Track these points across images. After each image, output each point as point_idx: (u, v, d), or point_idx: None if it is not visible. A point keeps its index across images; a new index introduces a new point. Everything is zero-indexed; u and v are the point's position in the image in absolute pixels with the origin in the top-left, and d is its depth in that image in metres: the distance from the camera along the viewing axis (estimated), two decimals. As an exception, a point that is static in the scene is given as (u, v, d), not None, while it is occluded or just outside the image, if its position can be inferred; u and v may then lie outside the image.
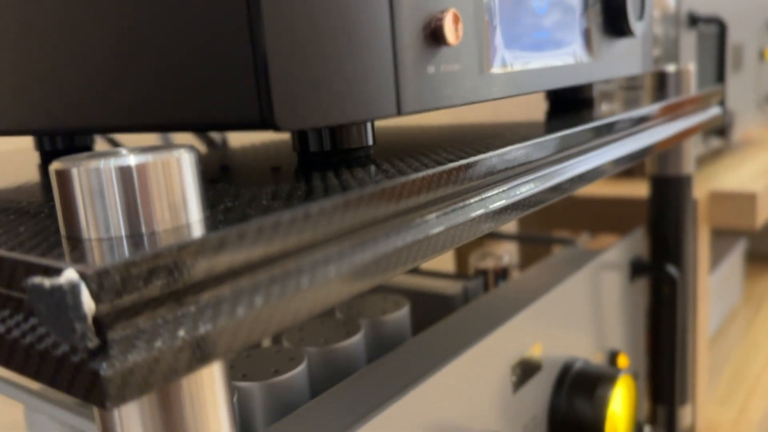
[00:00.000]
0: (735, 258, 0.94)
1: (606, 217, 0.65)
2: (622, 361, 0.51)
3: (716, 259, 0.89)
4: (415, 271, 0.56)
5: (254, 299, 0.18)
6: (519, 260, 0.84)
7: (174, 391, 0.17)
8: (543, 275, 0.47)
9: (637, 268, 0.54)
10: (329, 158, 0.28)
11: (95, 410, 0.18)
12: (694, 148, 0.56)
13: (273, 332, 0.18)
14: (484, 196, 0.26)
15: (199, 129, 0.21)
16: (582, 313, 0.48)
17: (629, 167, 0.69)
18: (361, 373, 0.36)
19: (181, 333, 0.16)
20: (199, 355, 0.16)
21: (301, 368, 0.38)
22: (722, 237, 0.99)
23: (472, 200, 0.26)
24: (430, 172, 0.23)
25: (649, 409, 0.60)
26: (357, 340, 0.42)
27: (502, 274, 0.56)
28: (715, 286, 0.83)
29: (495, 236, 0.60)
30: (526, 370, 0.41)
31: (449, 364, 0.35)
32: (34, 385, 0.43)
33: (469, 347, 0.36)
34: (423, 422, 0.33)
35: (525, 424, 0.41)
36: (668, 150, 0.54)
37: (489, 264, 0.56)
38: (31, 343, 0.16)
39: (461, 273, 0.53)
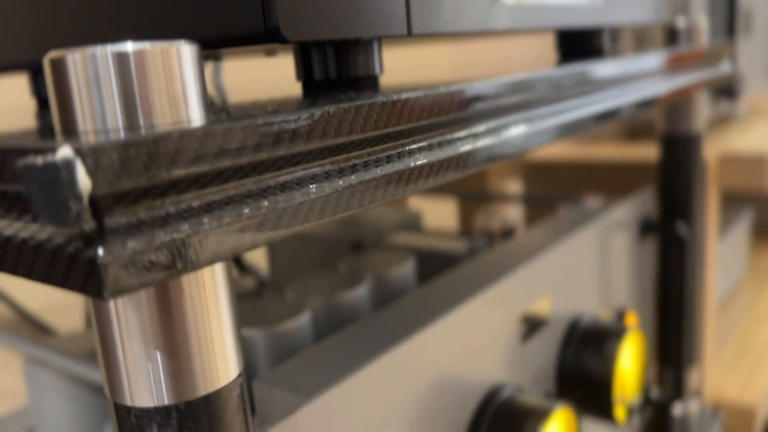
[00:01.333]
0: (741, 229, 0.93)
1: (615, 181, 0.64)
2: (630, 319, 0.51)
3: (722, 229, 0.88)
4: (420, 232, 0.55)
5: (260, 201, 0.17)
6: (525, 224, 0.83)
7: (174, 289, 0.16)
8: (550, 231, 0.46)
9: (645, 227, 0.53)
10: (334, 87, 0.27)
11: (92, 308, 0.17)
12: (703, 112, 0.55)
13: (273, 238, 0.17)
14: (473, 130, 0.25)
15: (199, 44, 0.20)
16: (590, 270, 0.47)
17: (638, 125, 0.68)
18: (366, 320, 0.35)
19: (184, 227, 0.15)
20: (202, 252, 0.15)
21: (305, 316, 0.37)
22: (728, 208, 0.98)
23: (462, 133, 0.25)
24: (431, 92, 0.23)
25: (656, 370, 0.59)
26: (361, 291, 0.41)
27: (508, 234, 0.56)
28: (721, 256, 0.82)
29: (499, 199, 0.59)
30: (534, 322, 0.40)
31: (456, 310, 0.34)
32: (36, 334, 0.42)
33: (476, 295, 0.35)
34: (429, 368, 0.32)
35: (532, 376, 0.41)
36: (678, 108, 0.53)
37: (494, 224, 0.55)
38: (24, 240, 0.15)
39: (467, 233, 0.52)
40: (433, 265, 0.50)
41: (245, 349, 0.35)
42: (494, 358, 0.37)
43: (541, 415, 0.34)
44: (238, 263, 0.67)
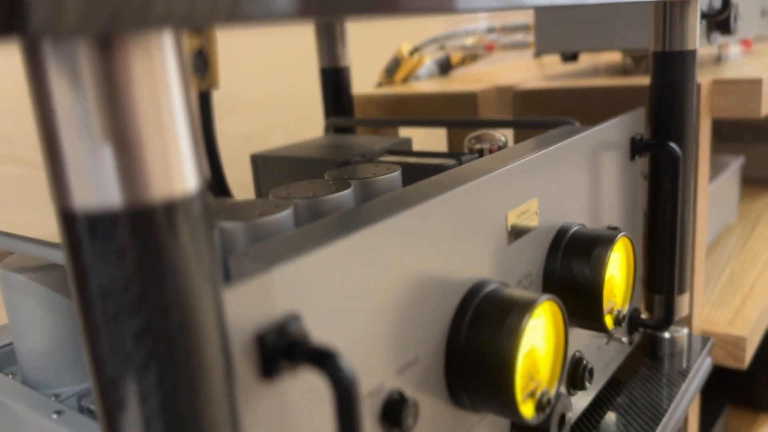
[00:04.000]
0: (731, 175, 0.92)
1: (607, 107, 0.63)
2: (620, 237, 0.50)
3: (713, 173, 0.87)
4: (409, 152, 0.54)
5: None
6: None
7: (122, 67, 0.15)
8: (540, 141, 0.45)
9: (637, 146, 0.52)
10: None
11: (31, 89, 0.15)
12: (699, 49, 0.53)
13: (232, 17, 0.16)
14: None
15: None
16: (579, 185, 0.46)
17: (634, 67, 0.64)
18: (348, 211, 0.34)
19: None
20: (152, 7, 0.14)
21: (288, 212, 0.36)
22: (719, 155, 0.97)
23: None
24: None
25: (644, 298, 0.58)
26: (346, 194, 0.40)
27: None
28: (711, 198, 0.82)
29: (489, 124, 0.58)
30: (522, 223, 0.39)
31: (438, 197, 0.33)
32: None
33: (459, 186, 0.34)
34: (411, 254, 0.31)
35: (519, 279, 0.40)
36: (672, 24, 0.52)
37: (485, 145, 0.54)
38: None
39: (457, 152, 0.51)
40: (421, 176, 0.49)
41: (225, 242, 0.34)
42: (480, 256, 0.36)
43: (526, 306, 0.33)
44: (217, 186, 0.66)
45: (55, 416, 0.37)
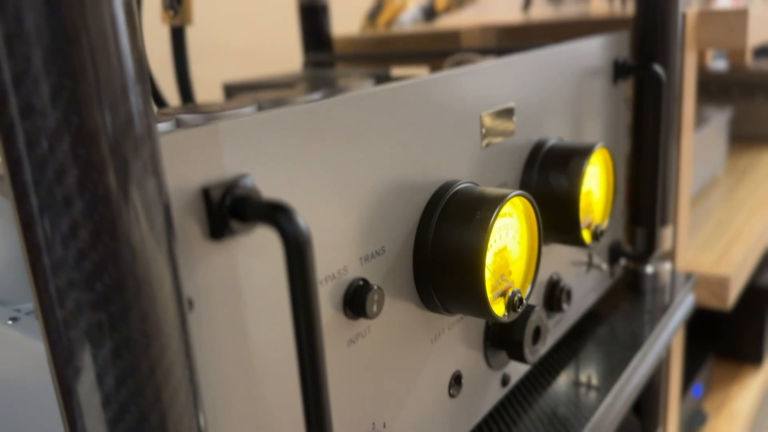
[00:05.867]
0: (718, 126, 0.91)
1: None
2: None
3: (699, 122, 0.86)
4: (388, 76, 0.52)
5: None
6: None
7: None
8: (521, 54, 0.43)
9: (620, 70, 0.51)
10: None
11: None
12: None
13: None
14: None
15: None
16: (559, 101, 0.44)
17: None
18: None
19: None
20: None
21: (251, 108, 0.35)
22: (706, 106, 0.96)
23: None
24: None
25: (627, 231, 0.57)
26: (314, 96, 0.39)
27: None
28: (697, 148, 0.81)
29: (471, 51, 0.56)
30: (498, 128, 0.38)
31: (412, 81, 0.32)
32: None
33: (430, 78, 0.33)
34: (375, 134, 0.30)
35: (493, 186, 0.39)
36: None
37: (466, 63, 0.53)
38: None
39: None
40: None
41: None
42: (452, 156, 0.35)
43: (497, 200, 0.32)
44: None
45: (10, 322, 0.36)
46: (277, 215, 0.22)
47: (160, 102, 0.56)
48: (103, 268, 0.18)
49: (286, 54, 0.86)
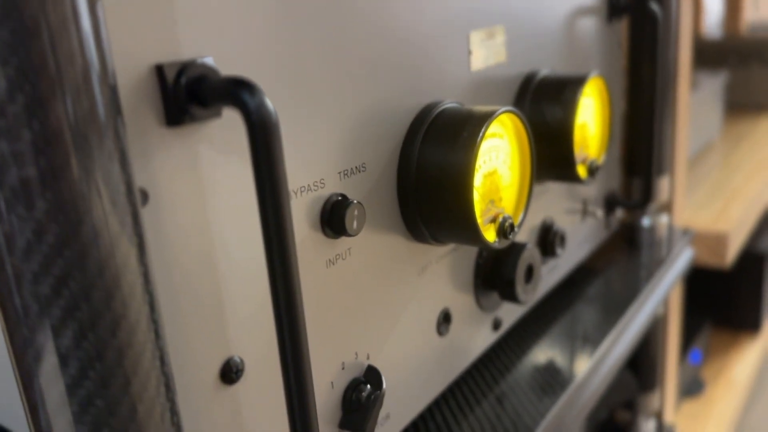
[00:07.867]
0: (714, 91, 0.89)
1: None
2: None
3: (695, 84, 0.84)
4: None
5: None
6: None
7: None
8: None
9: (615, 7, 0.49)
10: None
11: None
12: None
13: None
14: None
15: None
16: (551, 34, 0.42)
17: None
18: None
19: None
20: None
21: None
22: (703, 70, 0.94)
23: None
24: None
25: (623, 183, 0.55)
26: None
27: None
28: (693, 111, 0.79)
29: None
30: (488, 47, 0.36)
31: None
32: None
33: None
34: (352, 35, 0.28)
35: (484, 115, 0.36)
36: None
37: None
38: None
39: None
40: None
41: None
42: (439, 75, 0.32)
43: (484, 117, 0.30)
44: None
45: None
46: (239, 92, 0.19)
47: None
48: (64, 245, 0.17)
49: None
